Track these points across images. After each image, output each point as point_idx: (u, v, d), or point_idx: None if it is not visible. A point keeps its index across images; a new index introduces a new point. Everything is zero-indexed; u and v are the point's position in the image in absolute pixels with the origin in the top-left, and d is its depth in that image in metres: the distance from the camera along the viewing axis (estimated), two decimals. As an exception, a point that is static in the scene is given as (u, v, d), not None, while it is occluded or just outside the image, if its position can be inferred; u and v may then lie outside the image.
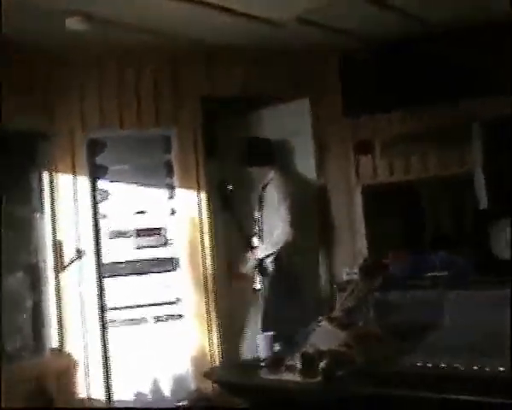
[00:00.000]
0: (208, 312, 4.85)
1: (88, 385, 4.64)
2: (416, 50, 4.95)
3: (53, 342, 4.63)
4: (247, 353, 4.28)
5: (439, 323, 3.32)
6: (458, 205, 5.28)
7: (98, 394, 4.64)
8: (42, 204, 4.70)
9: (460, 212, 5.23)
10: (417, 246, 4.47)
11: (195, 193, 4.90)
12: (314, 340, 3.11)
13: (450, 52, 4.87)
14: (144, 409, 4.56)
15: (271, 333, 3.25)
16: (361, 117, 5.15)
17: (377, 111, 5.06)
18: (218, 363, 4.77)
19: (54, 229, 4.66)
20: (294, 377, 2.84)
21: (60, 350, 4.63)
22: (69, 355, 4.64)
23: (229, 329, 5.21)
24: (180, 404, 4.57)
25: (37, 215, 4.69)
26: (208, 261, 4.89)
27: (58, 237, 4.65)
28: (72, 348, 4.64)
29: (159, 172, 4.88)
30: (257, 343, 3.21)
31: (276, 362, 3.04)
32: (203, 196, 4.92)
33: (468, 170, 4.54)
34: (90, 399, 4.62)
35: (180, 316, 4.81)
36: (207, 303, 4.85)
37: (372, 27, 4.72)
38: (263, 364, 3.08)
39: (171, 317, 4.80)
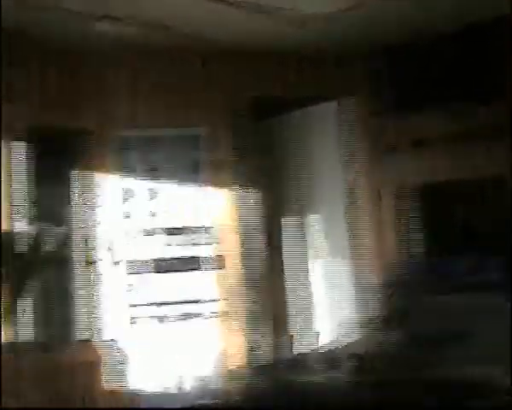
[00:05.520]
0: (235, 312, 4.86)
1: (114, 379, 4.69)
2: (444, 49, 4.89)
3: (82, 334, 4.70)
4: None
5: (470, 330, 3.28)
6: (492, 208, 5.20)
7: (124, 388, 4.68)
8: (73, 200, 4.75)
9: (493, 215, 5.15)
10: (449, 249, 4.42)
11: (224, 192, 4.91)
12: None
13: (481, 50, 4.80)
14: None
15: (292, 334, 3.24)
16: (390, 117, 5.11)
17: (406, 111, 5.01)
18: (245, 364, 4.78)
19: (84, 224, 4.71)
20: (318, 379, 2.84)
21: (88, 343, 4.69)
22: (97, 348, 4.69)
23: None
24: (203, 402, 4.58)
25: (69, 210, 4.75)
26: (238, 263, 4.89)
27: (89, 232, 4.71)
28: (101, 341, 4.70)
29: (189, 171, 4.89)
30: (282, 344, 3.21)
31: (300, 363, 3.05)
32: (232, 195, 4.92)
33: (501, 172, 4.48)
34: (115, 392, 4.66)
35: (208, 315, 4.82)
36: (234, 303, 4.86)
37: (403, 25, 4.67)
38: (287, 365, 3.09)
39: (198, 315, 4.81)
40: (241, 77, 5.04)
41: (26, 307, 4.45)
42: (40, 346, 4.49)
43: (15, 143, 4.32)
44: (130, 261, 4.75)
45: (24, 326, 4.36)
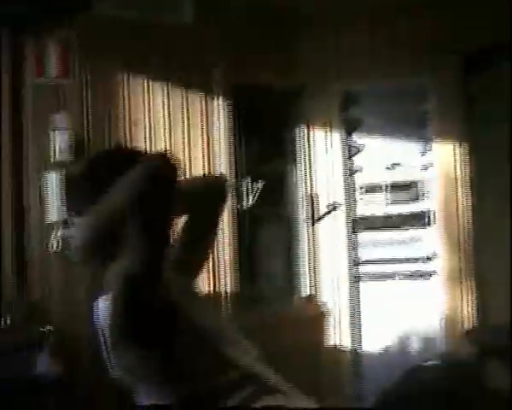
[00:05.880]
0: (462, 270, 4.66)
1: (337, 335, 4.72)
2: None
3: (305, 290, 4.77)
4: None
5: None
6: None
7: (346, 344, 4.70)
8: (296, 158, 4.80)
9: None
10: None
11: (452, 147, 4.69)
12: None
13: None
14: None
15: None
16: None
17: None
18: (473, 325, 4.58)
19: (308, 182, 4.75)
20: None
21: (311, 299, 4.75)
22: (319, 304, 4.74)
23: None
24: (427, 364, 4.46)
25: (292, 169, 4.81)
26: (464, 218, 4.68)
27: (313, 190, 4.74)
28: (323, 297, 4.74)
29: (413, 125, 4.73)
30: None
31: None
32: (461, 150, 4.70)
33: None
34: (338, 348, 4.69)
35: (432, 273, 4.67)
36: (462, 261, 4.66)
37: None
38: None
39: (423, 274, 4.68)
40: (471, 26, 4.73)
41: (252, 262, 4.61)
42: (265, 301, 4.64)
43: (222, 102, 4.40)
44: (355, 218, 4.72)
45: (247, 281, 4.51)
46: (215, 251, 4.24)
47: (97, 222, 1.59)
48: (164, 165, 1.58)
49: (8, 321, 3.49)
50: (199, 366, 1.60)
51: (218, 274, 4.27)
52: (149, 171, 1.55)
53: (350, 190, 4.72)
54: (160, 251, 1.54)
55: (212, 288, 4.22)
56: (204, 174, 4.00)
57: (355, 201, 4.72)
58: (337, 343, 4.71)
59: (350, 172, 4.72)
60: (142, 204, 1.50)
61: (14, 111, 3.80)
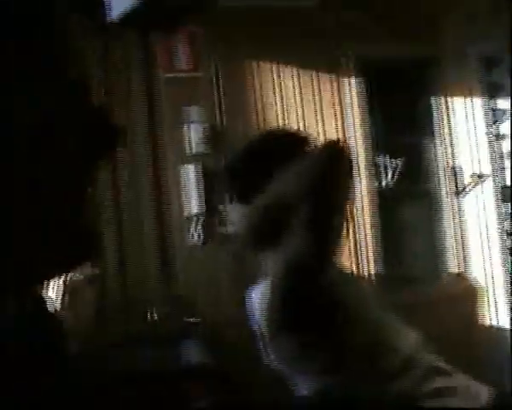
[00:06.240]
0: None
1: (491, 312, 4.48)
2: None
3: (454, 267, 4.56)
4: None
5: None
6: None
7: (504, 322, 4.44)
8: (435, 130, 4.59)
9: None
10: None
11: None
12: None
13: None
14: None
15: None
16: None
17: None
18: None
19: (449, 153, 4.54)
20: None
21: (459, 275, 4.54)
22: (470, 280, 4.52)
23: None
24: None
25: (431, 141, 4.61)
26: None
27: (455, 162, 4.53)
28: (474, 273, 4.51)
29: None
30: None
31: None
32: None
33: None
34: (495, 327, 4.46)
35: None
36: None
37: None
38: None
39: None
40: None
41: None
42: (413, 280, 4.49)
43: (354, 80, 4.31)
44: (505, 187, 4.45)
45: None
46: (358, 234, 4.17)
47: (264, 209, 1.57)
48: (337, 154, 1.54)
49: (155, 315, 3.56)
50: (359, 355, 1.54)
51: (363, 257, 4.20)
52: (322, 160, 1.52)
53: (497, 157, 4.45)
54: (328, 243, 1.48)
55: (359, 271, 4.13)
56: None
57: (503, 168, 4.44)
58: (493, 321, 4.47)
59: (496, 138, 4.45)
60: (314, 194, 1.47)
61: (148, 106, 3.88)
